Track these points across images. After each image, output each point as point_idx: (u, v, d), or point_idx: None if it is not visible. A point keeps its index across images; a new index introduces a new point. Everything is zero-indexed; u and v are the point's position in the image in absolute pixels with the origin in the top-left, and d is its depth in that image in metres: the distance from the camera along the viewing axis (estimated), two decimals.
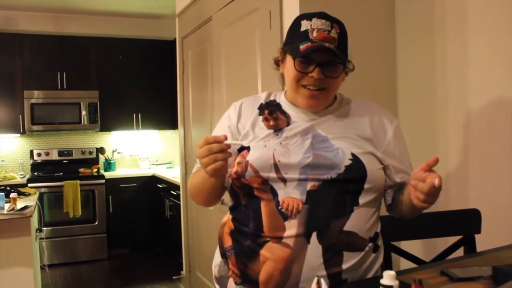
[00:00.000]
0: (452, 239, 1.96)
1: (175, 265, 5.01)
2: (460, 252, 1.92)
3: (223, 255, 1.52)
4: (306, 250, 1.34)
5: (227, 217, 1.56)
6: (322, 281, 1.13)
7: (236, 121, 1.54)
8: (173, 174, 5.36)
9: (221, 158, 1.28)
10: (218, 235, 1.58)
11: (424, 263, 1.82)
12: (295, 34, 1.42)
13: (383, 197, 1.52)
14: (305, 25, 1.40)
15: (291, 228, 1.35)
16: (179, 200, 4.60)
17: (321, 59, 1.37)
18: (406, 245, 2.11)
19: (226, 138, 1.28)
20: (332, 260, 1.35)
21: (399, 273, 1.45)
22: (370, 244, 1.42)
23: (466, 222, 1.95)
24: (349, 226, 1.36)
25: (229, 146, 1.29)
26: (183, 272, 4.55)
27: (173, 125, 6.14)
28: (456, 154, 2.29)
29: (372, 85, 2.54)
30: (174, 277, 4.74)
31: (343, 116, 1.49)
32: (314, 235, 1.34)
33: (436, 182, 1.17)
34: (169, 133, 6.63)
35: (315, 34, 1.37)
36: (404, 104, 2.60)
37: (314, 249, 1.34)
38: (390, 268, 1.85)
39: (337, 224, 1.35)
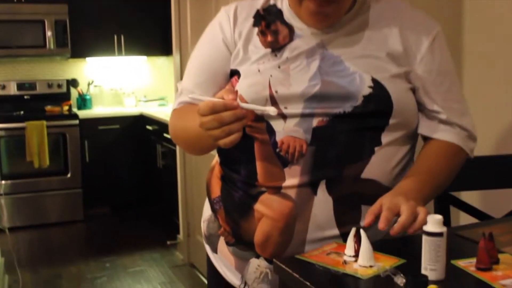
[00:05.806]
0: None
1: (169, 227, 5.10)
2: None
3: (212, 207, 1.53)
4: (312, 203, 1.35)
5: (215, 160, 1.55)
6: (362, 232, 1.13)
7: (231, 32, 1.47)
8: (167, 113, 5.36)
9: (237, 129, 1.21)
10: (205, 182, 1.58)
11: (492, 219, 1.82)
12: None
13: (416, 134, 1.46)
14: None
15: (293, 176, 1.35)
16: (175, 146, 4.64)
17: None
18: (468, 198, 2.11)
19: (238, 100, 1.23)
20: (346, 216, 1.35)
21: (461, 229, 1.46)
22: None
23: None
24: (368, 172, 1.35)
25: (244, 112, 1.22)
26: (180, 236, 4.64)
27: (166, 50, 6.10)
28: None
29: None
30: (168, 243, 4.84)
31: (365, 26, 1.42)
32: (322, 184, 1.34)
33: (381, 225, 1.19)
34: (161, 61, 6.62)
35: None
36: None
37: (323, 202, 1.35)
38: (449, 224, 1.86)
39: (352, 170, 1.34)
